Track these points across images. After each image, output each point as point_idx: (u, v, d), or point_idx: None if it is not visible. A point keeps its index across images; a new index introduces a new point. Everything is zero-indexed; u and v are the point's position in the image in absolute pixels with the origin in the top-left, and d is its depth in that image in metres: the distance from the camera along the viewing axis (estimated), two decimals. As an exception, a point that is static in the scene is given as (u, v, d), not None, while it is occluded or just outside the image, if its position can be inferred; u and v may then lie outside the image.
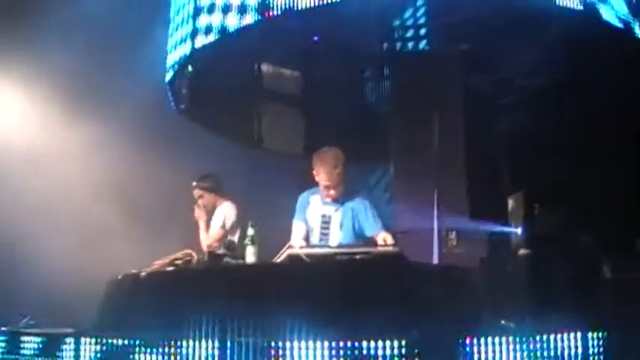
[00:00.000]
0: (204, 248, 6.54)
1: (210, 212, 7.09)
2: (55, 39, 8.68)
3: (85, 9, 8.75)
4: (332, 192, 5.65)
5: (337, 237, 5.69)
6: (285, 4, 6.25)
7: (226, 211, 6.96)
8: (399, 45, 8.29)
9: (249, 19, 6.47)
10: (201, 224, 7.00)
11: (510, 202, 5.69)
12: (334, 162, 5.58)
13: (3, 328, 5.53)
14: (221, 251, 6.14)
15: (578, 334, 4.38)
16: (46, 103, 9.19)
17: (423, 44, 8.04)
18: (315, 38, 8.16)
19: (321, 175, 5.61)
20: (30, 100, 9.23)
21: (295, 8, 6.23)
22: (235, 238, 6.82)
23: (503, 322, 4.76)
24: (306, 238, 5.83)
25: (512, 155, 5.87)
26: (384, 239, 5.47)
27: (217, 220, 6.95)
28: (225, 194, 7.14)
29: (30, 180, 8.81)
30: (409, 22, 8.09)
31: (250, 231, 5.32)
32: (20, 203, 8.66)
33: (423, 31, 7.97)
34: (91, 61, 8.85)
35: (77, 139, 9.08)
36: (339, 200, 5.71)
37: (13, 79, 9.13)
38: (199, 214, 7.01)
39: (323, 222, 5.73)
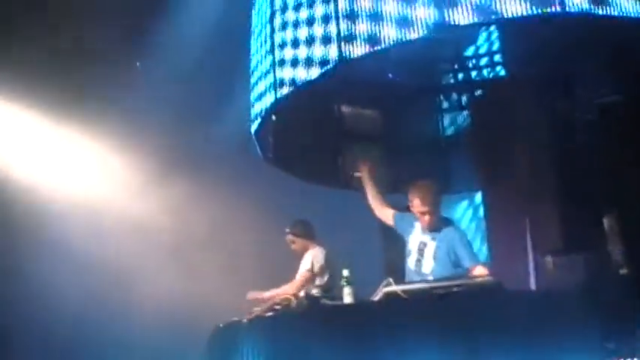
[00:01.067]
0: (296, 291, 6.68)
1: (301, 256, 7.31)
2: (145, 97, 9.08)
3: (171, 67, 9.14)
4: (426, 218, 5.78)
5: (430, 266, 5.78)
6: (363, 46, 6.36)
7: (314, 256, 7.16)
8: (474, 74, 8.28)
9: (328, 64, 6.60)
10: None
11: (606, 221, 5.57)
12: (427, 190, 5.79)
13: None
14: (318, 293, 6.26)
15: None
16: (140, 161, 9.59)
17: (498, 71, 8.01)
18: (391, 76, 8.25)
19: (415, 202, 5.79)
20: (126, 159, 9.63)
21: (372, 49, 6.32)
22: (324, 280, 6.97)
23: (608, 344, 4.67)
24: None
25: (603, 173, 5.73)
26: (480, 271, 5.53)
27: (305, 264, 7.16)
28: (315, 239, 7.32)
29: (129, 235, 9.18)
30: (483, 50, 8.09)
31: (345, 272, 5.42)
32: (125, 255, 9.02)
33: (497, 58, 7.95)
34: (180, 117, 9.22)
35: (173, 192, 9.43)
36: (435, 229, 5.82)
37: (109, 138, 9.56)
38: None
39: (419, 249, 5.86)
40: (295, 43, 6.94)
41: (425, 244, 5.84)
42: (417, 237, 5.91)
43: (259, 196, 9.24)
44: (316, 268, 7.08)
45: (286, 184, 8.80)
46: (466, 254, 5.69)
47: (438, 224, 5.82)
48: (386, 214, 6.26)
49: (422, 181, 5.92)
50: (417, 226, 5.93)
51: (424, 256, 5.82)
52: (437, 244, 5.78)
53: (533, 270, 5.97)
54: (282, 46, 7.12)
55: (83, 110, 9.32)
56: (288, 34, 7.02)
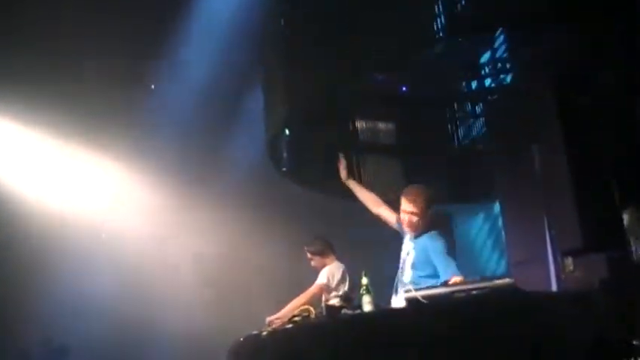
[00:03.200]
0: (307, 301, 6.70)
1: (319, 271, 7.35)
2: (159, 119, 9.16)
3: (185, 88, 9.23)
4: (407, 218, 5.71)
5: (409, 275, 5.76)
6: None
7: (330, 272, 7.20)
8: (488, 81, 8.27)
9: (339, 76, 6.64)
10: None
11: (625, 217, 5.50)
12: (417, 193, 5.70)
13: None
14: (338, 304, 6.22)
15: None
16: (154, 186, 9.63)
17: (512, 75, 8.00)
18: (404, 89, 8.28)
19: (403, 202, 5.72)
20: (140, 185, 9.68)
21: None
22: (341, 292, 6.97)
23: (634, 342, 4.60)
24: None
25: (621, 169, 5.66)
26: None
27: (321, 278, 7.19)
28: (333, 254, 7.38)
29: (145, 260, 9.22)
30: (495, 57, 8.09)
31: (364, 280, 5.37)
32: (140, 281, 9.06)
33: (509, 64, 7.94)
34: (193, 139, 9.29)
35: (190, 216, 9.47)
36: (417, 236, 5.78)
37: (125, 164, 9.62)
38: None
39: (403, 258, 5.86)
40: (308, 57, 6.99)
41: (408, 253, 5.84)
42: (405, 245, 5.90)
43: (278, 211, 9.25)
44: (332, 284, 7.13)
45: (306, 199, 8.81)
46: (442, 266, 5.56)
47: (421, 232, 5.75)
48: (389, 217, 6.16)
49: (409, 187, 5.86)
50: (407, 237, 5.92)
51: (405, 264, 5.83)
52: (415, 254, 5.76)
53: (554, 272, 5.92)
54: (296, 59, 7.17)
55: (100, 134, 9.38)
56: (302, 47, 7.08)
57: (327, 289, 7.05)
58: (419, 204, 5.66)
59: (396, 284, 5.85)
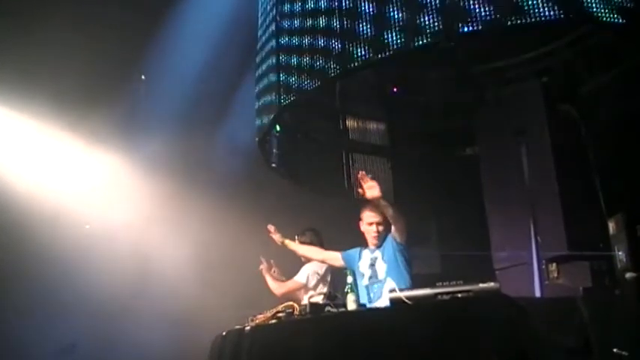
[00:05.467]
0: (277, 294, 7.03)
1: (304, 263, 7.29)
2: (152, 110, 9.14)
3: (175, 80, 9.20)
4: (374, 228, 5.89)
5: (383, 269, 5.84)
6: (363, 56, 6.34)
7: (312, 270, 7.16)
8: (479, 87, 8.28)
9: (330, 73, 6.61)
10: (267, 277, 7.34)
11: (611, 226, 5.52)
12: (377, 203, 5.74)
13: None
14: (322, 301, 6.23)
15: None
16: (144, 176, 9.62)
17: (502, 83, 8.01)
18: (395, 90, 8.28)
19: (366, 214, 5.96)
20: (130, 174, 9.67)
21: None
22: (324, 290, 7.00)
23: (615, 350, 4.62)
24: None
25: (607, 177, 5.69)
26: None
27: (300, 276, 7.17)
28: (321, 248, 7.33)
29: (138, 249, 9.20)
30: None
31: (349, 279, 5.38)
32: (129, 268, 9.04)
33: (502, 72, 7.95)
34: (184, 129, 9.27)
35: (181, 209, 9.46)
36: (381, 245, 5.91)
37: (115, 154, 9.60)
38: (264, 267, 7.39)
39: (370, 265, 5.94)
40: (299, 53, 6.96)
41: (375, 258, 5.93)
42: (365, 261, 5.99)
43: (268, 202, 9.21)
44: (310, 284, 7.12)
45: (296, 193, 8.83)
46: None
47: (383, 240, 5.90)
48: (334, 257, 6.36)
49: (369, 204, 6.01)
50: (364, 252, 6.02)
51: (376, 265, 5.90)
52: (384, 252, 5.86)
53: (538, 277, 5.94)
54: (287, 55, 7.14)
55: (92, 124, 9.34)
56: (293, 43, 7.05)
57: (304, 288, 7.08)
58: (382, 213, 5.80)
59: (371, 293, 5.89)
